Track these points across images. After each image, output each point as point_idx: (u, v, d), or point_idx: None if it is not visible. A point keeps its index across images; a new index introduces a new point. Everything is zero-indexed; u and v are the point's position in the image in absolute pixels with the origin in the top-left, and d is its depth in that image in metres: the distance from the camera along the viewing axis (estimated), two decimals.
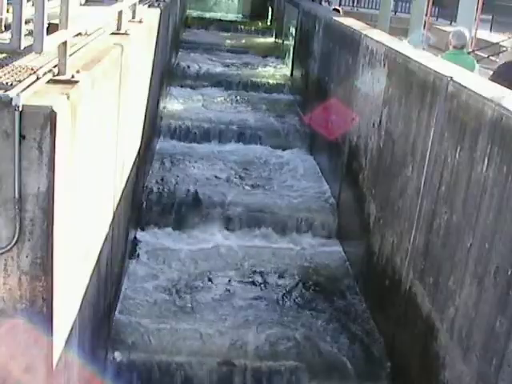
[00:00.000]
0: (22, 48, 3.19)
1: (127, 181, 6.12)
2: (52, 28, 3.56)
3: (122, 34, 5.69)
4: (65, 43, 3.63)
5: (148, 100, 7.77)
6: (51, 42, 3.35)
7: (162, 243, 7.65)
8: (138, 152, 7.02)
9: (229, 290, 6.78)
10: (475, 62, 7.82)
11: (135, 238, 7.53)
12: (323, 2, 17.09)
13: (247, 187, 9.21)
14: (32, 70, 3.55)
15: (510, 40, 14.53)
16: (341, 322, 6.29)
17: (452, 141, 4.83)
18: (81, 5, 5.77)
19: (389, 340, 5.86)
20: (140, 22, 6.79)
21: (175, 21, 14.27)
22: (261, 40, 20.71)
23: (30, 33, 3.25)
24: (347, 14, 15.51)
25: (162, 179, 9.04)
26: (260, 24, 23.30)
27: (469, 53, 8.50)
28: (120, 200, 5.67)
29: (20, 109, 3.03)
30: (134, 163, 6.59)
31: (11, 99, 3.01)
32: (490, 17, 22.84)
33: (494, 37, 18.39)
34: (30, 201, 3.16)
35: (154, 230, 7.85)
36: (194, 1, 24.47)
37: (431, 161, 5.21)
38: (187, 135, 10.98)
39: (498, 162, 4.05)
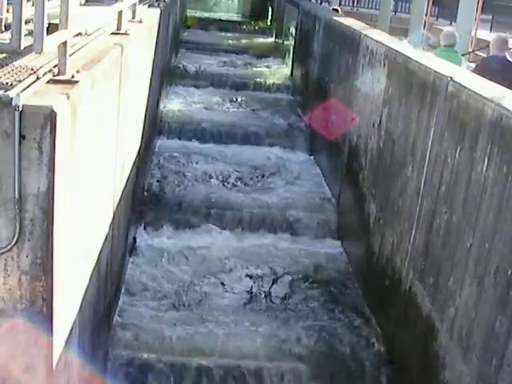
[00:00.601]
0: (21, 48, 3.19)
1: (127, 181, 6.12)
2: (52, 28, 3.56)
3: (122, 33, 5.69)
4: (65, 43, 3.63)
5: (148, 100, 7.77)
6: (51, 42, 3.35)
7: (162, 243, 7.65)
8: (138, 152, 7.02)
9: (229, 290, 6.79)
10: (462, 58, 8.54)
11: (135, 238, 7.53)
12: (323, 3, 17.09)
13: (247, 187, 9.20)
14: (32, 70, 3.55)
15: (491, 35, 14.52)
16: (341, 322, 6.30)
17: (452, 141, 4.83)
18: (81, 5, 5.78)
19: (389, 340, 5.86)
20: (140, 21, 6.80)
21: (175, 21, 14.28)
22: (261, 40, 20.69)
23: (30, 33, 3.25)
24: (347, 14, 15.53)
25: (162, 179, 9.04)
26: (260, 24, 23.30)
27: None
28: (120, 200, 5.67)
29: (20, 109, 3.03)
30: (133, 163, 6.59)
31: (11, 99, 3.01)
32: (490, 17, 22.80)
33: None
34: (30, 201, 3.16)
35: (154, 230, 7.85)
36: (194, 1, 24.47)
37: (431, 161, 5.21)
38: (187, 135, 10.95)
39: (497, 162, 4.05)
